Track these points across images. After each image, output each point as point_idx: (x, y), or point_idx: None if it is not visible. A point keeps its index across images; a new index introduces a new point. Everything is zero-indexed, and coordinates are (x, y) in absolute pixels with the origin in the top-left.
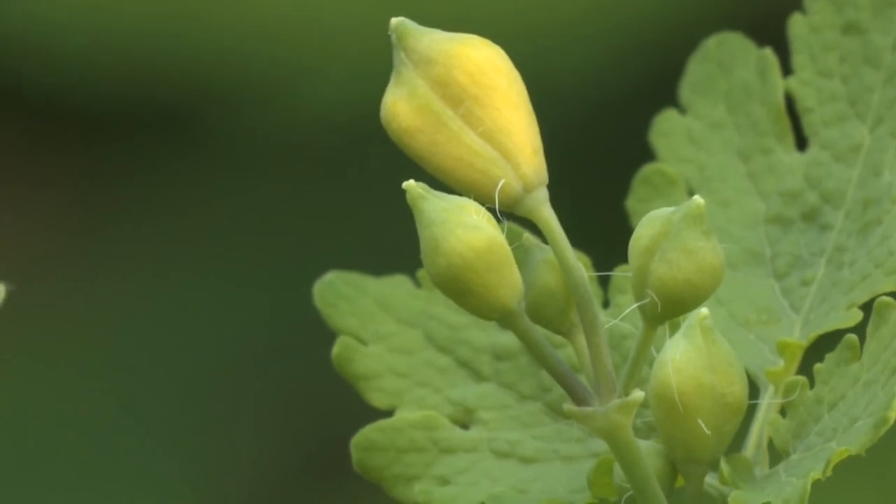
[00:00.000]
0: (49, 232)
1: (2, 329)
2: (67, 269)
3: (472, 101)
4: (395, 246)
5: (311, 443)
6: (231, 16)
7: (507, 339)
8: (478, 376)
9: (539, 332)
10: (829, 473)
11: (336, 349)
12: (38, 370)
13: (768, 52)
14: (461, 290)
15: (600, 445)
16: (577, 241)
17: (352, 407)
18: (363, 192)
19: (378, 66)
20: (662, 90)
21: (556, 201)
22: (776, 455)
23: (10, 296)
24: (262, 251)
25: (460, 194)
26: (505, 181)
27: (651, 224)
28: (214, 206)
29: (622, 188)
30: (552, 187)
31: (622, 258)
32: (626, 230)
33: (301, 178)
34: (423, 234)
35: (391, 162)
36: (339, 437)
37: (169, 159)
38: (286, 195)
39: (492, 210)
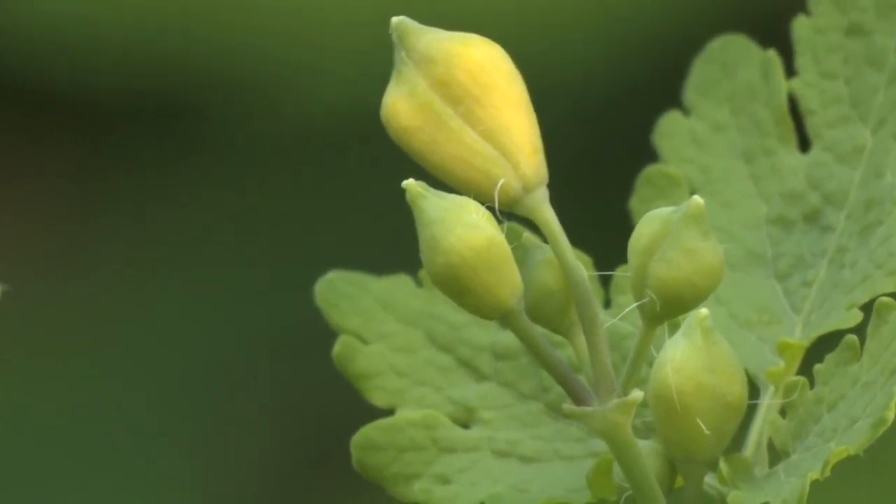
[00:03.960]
0: (48, 229)
1: (0, 327)
2: (67, 267)
3: (473, 101)
4: (399, 243)
5: (315, 441)
6: (231, 11)
7: (508, 339)
8: (478, 375)
9: (538, 331)
10: (827, 474)
11: (337, 348)
12: (36, 369)
13: (772, 54)
14: (460, 289)
15: (600, 445)
16: (579, 240)
17: (355, 405)
18: (366, 189)
19: (380, 63)
20: (667, 90)
21: (558, 200)
22: (776, 455)
23: (6, 296)
24: (264, 248)
25: (460, 193)
26: (505, 180)
27: (650, 224)
28: (215, 204)
29: (626, 188)
30: (555, 186)
31: (625, 258)
32: (629, 230)
33: (302, 175)
34: (423, 234)
35: (394, 159)
36: (343, 435)
37: (168, 156)
38: (288, 191)
39: (491, 209)
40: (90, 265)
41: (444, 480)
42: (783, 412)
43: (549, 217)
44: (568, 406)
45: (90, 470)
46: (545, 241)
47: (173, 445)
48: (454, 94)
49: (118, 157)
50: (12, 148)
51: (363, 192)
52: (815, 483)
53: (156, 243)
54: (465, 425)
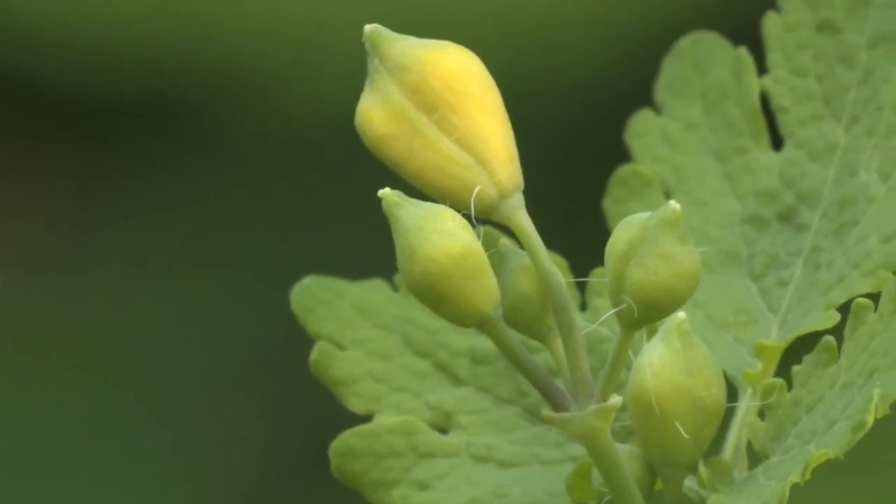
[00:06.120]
0: (46, 229)
1: None
2: (64, 262)
3: (447, 108)
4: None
5: (310, 443)
6: (229, 12)
7: (485, 343)
8: (456, 380)
9: (516, 337)
10: (807, 477)
11: (314, 355)
12: (33, 367)
13: (743, 52)
14: (437, 297)
15: (579, 449)
16: (555, 242)
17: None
18: (362, 190)
19: None
20: (646, 95)
21: (533, 206)
22: (755, 458)
23: (5, 294)
24: (262, 248)
25: (436, 201)
26: (480, 188)
27: (627, 229)
28: (214, 200)
29: (601, 190)
30: (530, 192)
31: (601, 259)
32: (604, 231)
33: (300, 176)
34: (399, 242)
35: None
36: (334, 438)
37: (166, 154)
38: (282, 192)
39: (468, 217)
40: (87, 258)
41: (423, 486)
42: (762, 414)
43: (524, 224)
44: (546, 412)
45: (89, 471)
46: (521, 246)
47: (167, 446)
48: (428, 102)
49: (115, 157)
50: (10, 147)
51: (363, 190)
52: (794, 485)
53: (154, 238)
54: (444, 430)
